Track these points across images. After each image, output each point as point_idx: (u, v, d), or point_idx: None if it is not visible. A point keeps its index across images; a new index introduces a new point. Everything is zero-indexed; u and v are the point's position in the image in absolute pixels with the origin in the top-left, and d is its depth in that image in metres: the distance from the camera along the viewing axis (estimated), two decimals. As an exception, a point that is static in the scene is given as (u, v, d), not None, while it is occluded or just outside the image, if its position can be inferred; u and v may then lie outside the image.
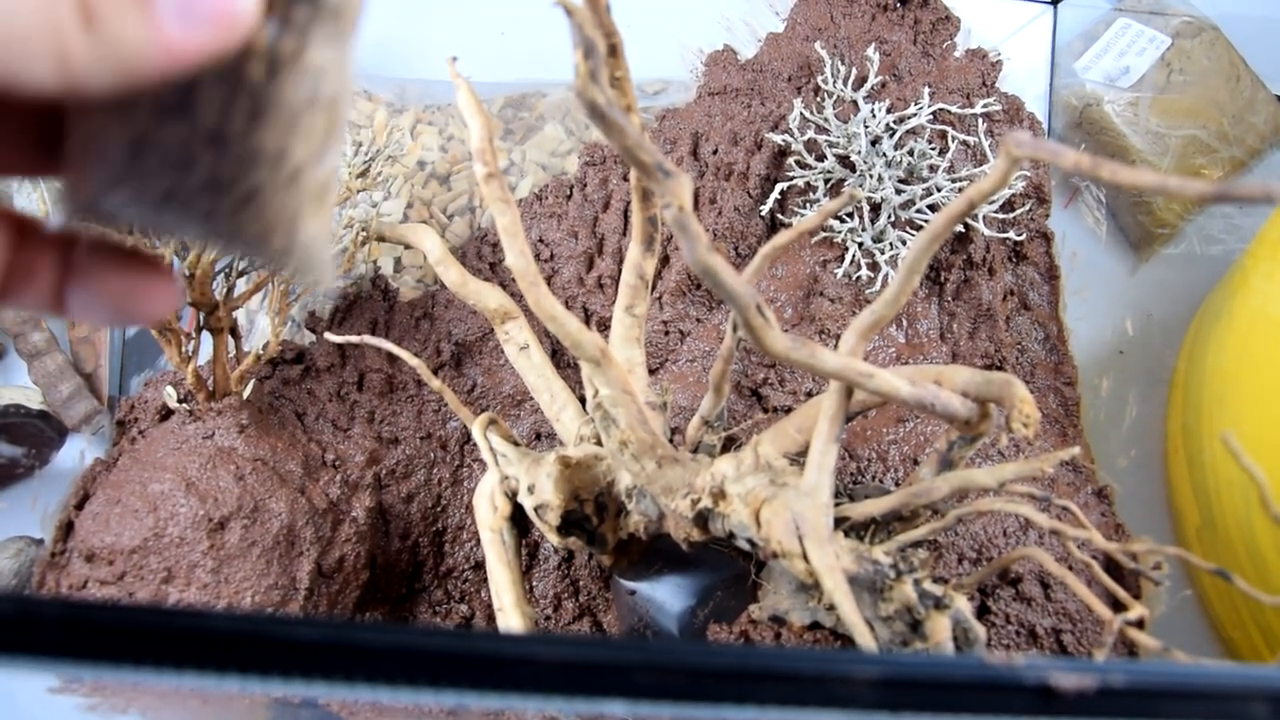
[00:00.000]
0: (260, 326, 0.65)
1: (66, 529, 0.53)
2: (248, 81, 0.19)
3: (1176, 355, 0.69)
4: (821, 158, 0.63)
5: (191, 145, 0.19)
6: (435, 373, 0.61)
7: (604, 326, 0.62)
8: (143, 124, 0.18)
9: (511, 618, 0.47)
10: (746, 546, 0.41)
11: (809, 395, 0.60)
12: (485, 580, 0.58)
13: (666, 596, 0.51)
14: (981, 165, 0.64)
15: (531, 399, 0.61)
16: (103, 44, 0.17)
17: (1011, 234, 0.64)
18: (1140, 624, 0.39)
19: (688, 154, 0.66)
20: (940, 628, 0.36)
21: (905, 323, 0.62)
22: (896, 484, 0.56)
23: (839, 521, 0.41)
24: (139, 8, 0.17)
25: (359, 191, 0.60)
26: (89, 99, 0.18)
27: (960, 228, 0.62)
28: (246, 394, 0.56)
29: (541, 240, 0.66)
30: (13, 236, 0.23)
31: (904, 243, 0.61)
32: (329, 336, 0.56)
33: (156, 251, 0.23)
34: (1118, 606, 0.41)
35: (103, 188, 0.19)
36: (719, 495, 0.40)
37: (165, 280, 0.24)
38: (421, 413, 0.61)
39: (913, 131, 0.63)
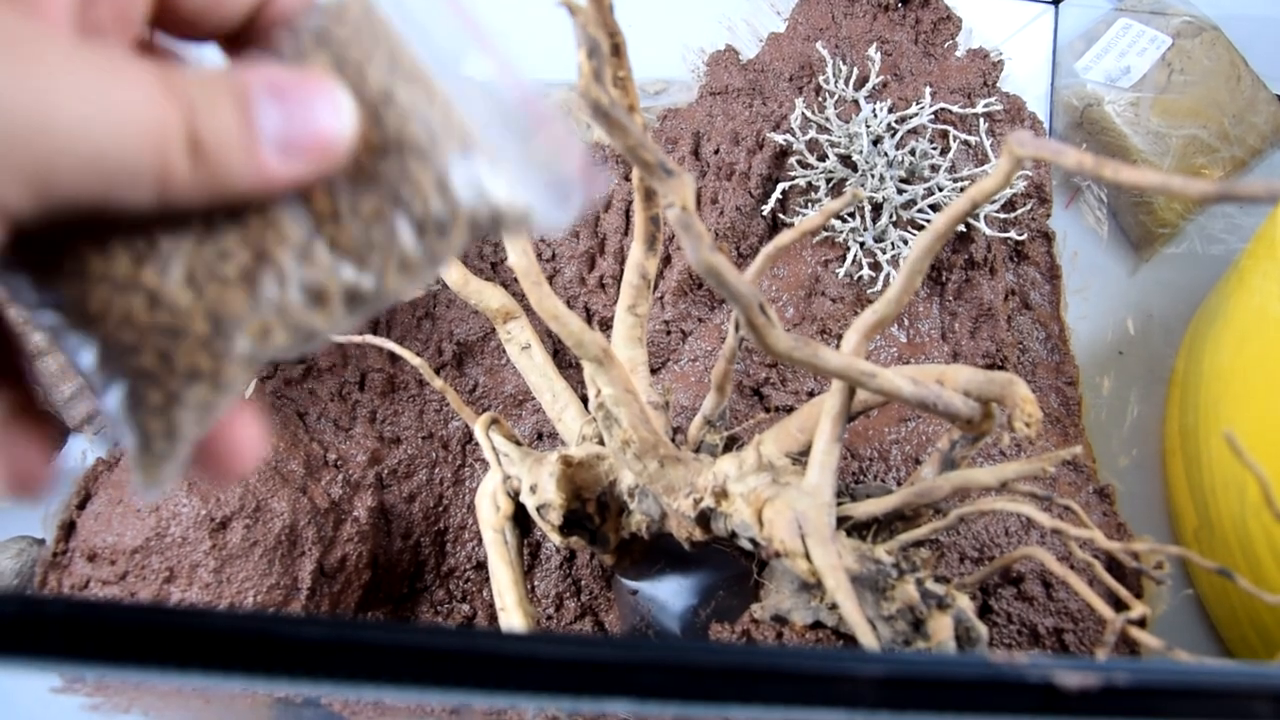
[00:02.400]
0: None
1: (68, 529, 0.53)
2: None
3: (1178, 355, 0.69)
4: (823, 157, 0.63)
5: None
6: (437, 372, 0.61)
7: (606, 326, 0.62)
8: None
9: (513, 617, 0.47)
10: (749, 546, 0.41)
11: (811, 395, 0.60)
12: (487, 580, 0.58)
13: (668, 596, 0.51)
14: (983, 165, 0.64)
15: (533, 399, 0.61)
16: (205, 174, 0.18)
17: (1013, 234, 0.64)
18: (1142, 623, 0.39)
19: (689, 154, 0.66)
20: (942, 627, 0.36)
21: (907, 322, 0.62)
22: (899, 483, 0.56)
23: (841, 521, 0.41)
24: (245, 143, 0.18)
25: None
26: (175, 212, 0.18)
27: (962, 227, 0.62)
28: (248, 394, 0.56)
29: (543, 240, 0.66)
30: None
31: (905, 242, 0.61)
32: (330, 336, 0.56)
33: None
34: (1119, 606, 0.41)
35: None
36: (721, 495, 0.40)
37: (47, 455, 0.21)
38: (423, 412, 0.61)
39: (914, 131, 0.63)
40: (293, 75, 0.19)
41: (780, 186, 0.62)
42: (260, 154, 0.18)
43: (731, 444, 0.47)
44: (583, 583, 0.57)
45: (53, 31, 0.17)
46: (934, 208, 0.61)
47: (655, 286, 0.63)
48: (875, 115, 0.63)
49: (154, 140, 0.17)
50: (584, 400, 0.52)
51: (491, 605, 0.58)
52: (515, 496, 0.49)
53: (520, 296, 0.59)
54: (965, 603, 0.37)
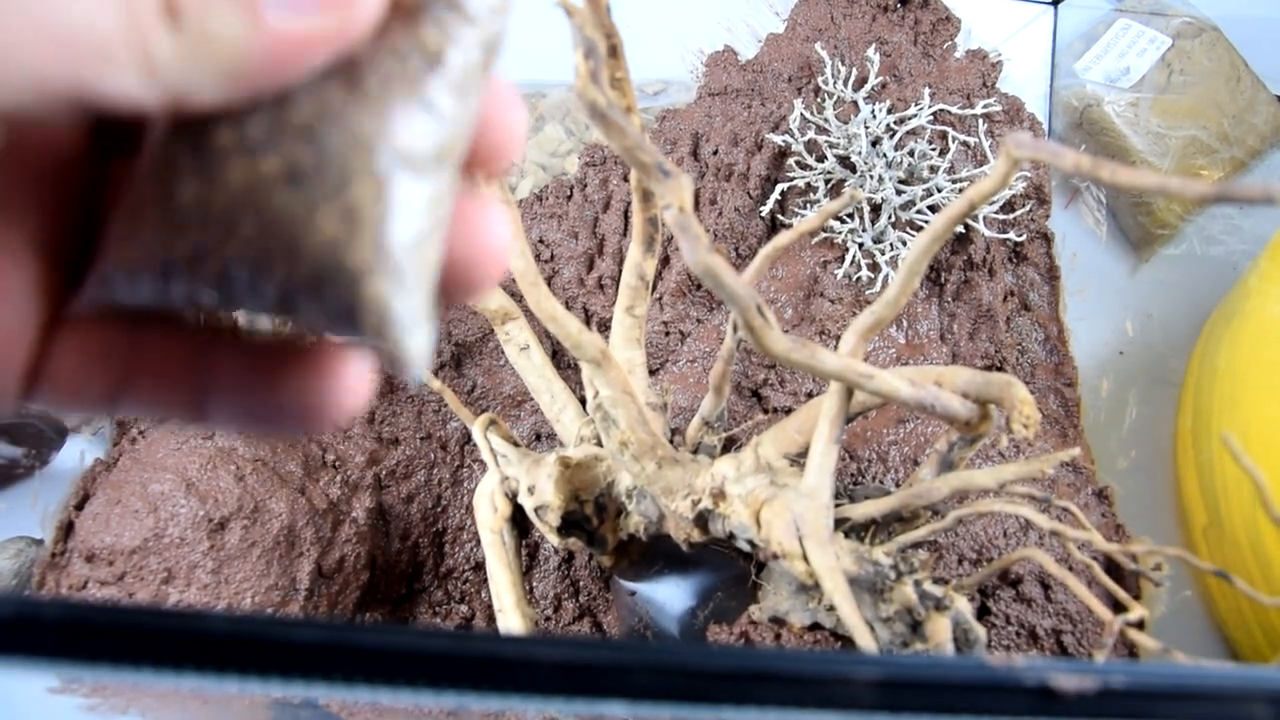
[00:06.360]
0: (261, 327, 0.65)
1: (67, 529, 0.53)
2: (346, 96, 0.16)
3: (1178, 356, 0.69)
4: (822, 158, 0.63)
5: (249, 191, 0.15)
6: (435, 373, 0.61)
7: (604, 327, 0.62)
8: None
9: (512, 618, 0.47)
10: (747, 547, 0.41)
11: (809, 396, 0.60)
12: (485, 581, 0.58)
13: (667, 597, 0.51)
14: (982, 166, 0.64)
15: (531, 400, 0.61)
16: (192, 41, 0.15)
17: (1012, 235, 0.64)
18: (1140, 625, 0.39)
19: (688, 154, 0.66)
20: (940, 629, 0.36)
21: (905, 323, 0.62)
22: (897, 485, 0.56)
23: (839, 522, 0.41)
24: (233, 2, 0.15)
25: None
26: (196, 109, 0.16)
27: (960, 228, 0.62)
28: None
29: (542, 241, 0.66)
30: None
31: (904, 243, 0.61)
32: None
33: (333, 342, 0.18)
34: (1118, 607, 0.41)
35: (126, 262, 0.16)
36: (719, 496, 0.40)
37: (352, 376, 0.19)
38: (422, 413, 0.61)
39: (913, 132, 0.63)
40: None
41: (779, 187, 0.62)
42: (257, 12, 0.15)
43: (730, 445, 0.47)
44: (581, 584, 0.57)
45: None
46: (933, 209, 0.61)
47: (654, 288, 0.63)
48: (874, 116, 0.63)
49: (122, 12, 0.14)
50: (582, 401, 0.52)
51: (490, 606, 0.58)
52: (513, 498, 0.49)
53: (518, 297, 0.59)
54: (963, 604, 0.37)
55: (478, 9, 0.17)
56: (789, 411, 0.57)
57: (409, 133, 0.16)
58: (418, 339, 0.16)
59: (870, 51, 0.66)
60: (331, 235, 0.15)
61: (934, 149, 0.62)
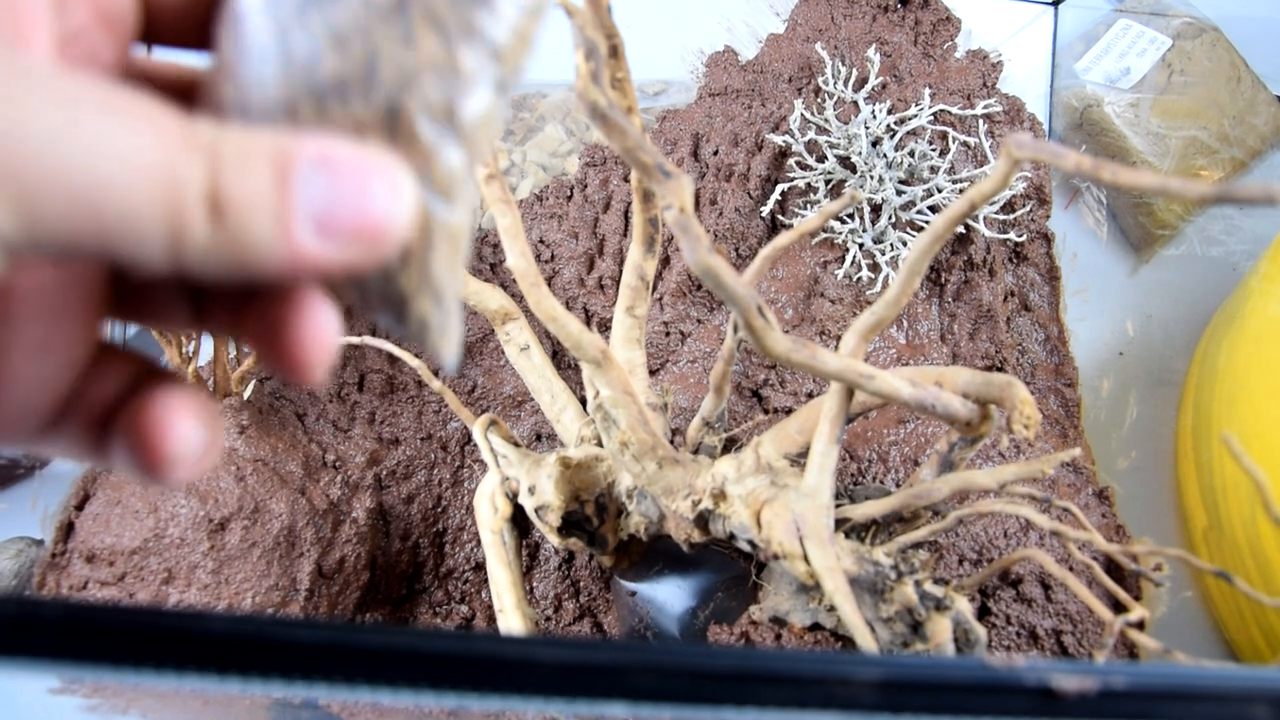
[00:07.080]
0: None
1: (67, 530, 0.53)
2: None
3: (1178, 356, 0.69)
4: (822, 159, 0.63)
5: None
6: (436, 374, 0.61)
7: (605, 327, 0.62)
8: None
9: (512, 619, 0.47)
10: (747, 548, 0.41)
11: (810, 396, 0.60)
12: (486, 581, 0.58)
13: (667, 597, 0.51)
14: (982, 166, 0.64)
15: (532, 400, 0.61)
16: (226, 236, 0.16)
17: (1012, 235, 0.64)
18: (1141, 625, 0.39)
19: (688, 155, 0.66)
20: (941, 629, 0.36)
21: (906, 324, 0.62)
22: (897, 485, 0.56)
23: (840, 523, 0.41)
24: (276, 211, 0.16)
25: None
26: (196, 280, 0.17)
27: (961, 229, 0.62)
28: (247, 395, 0.56)
29: (542, 241, 0.66)
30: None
31: (905, 244, 0.61)
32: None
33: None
34: (1119, 608, 0.41)
35: None
36: (720, 496, 0.40)
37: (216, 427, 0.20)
38: (422, 414, 0.61)
39: (913, 133, 0.63)
40: (349, 148, 0.17)
41: (779, 188, 0.62)
42: (293, 226, 0.16)
43: (730, 445, 0.47)
44: (581, 584, 0.57)
45: (46, 65, 0.16)
46: (933, 209, 0.61)
47: (654, 288, 0.63)
48: (874, 116, 0.63)
49: (165, 189, 0.15)
50: (583, 402, 0.52)
51: (490, 607, 0.58)
52: (514, 498, 0.49)
53: (519, 298, 0.59)
54: (964, 605, 0.37)
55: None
56: (789, 412, 0.57)
57: (441, 171, 0.18)
58: (450, 343, 0.20)
59: (870, 52, 0.66)
60: (388, 266, 0.18)
61: (934, 149, 0.62)
